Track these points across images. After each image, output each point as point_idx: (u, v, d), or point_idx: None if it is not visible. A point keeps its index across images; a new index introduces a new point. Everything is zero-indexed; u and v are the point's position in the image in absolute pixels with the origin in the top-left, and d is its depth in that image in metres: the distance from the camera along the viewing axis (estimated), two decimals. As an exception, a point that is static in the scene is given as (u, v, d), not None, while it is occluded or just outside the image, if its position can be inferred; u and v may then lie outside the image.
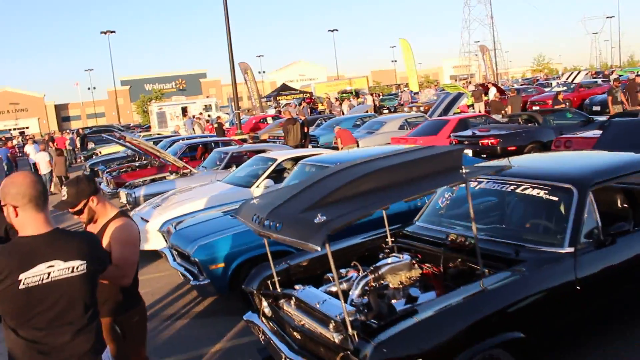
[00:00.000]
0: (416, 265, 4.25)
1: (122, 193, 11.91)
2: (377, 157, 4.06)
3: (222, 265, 5.92)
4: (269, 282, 4.38)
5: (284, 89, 48.81)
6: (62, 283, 2.55)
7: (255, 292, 4.41)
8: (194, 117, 31.63)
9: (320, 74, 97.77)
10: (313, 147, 17.52)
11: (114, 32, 64.10)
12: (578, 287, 3.76)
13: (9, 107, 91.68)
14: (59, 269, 2.54)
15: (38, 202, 2.59)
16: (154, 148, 13.26)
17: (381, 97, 48.58)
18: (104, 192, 14.49)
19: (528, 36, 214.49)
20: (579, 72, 41.47)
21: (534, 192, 4.33)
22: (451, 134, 14.65)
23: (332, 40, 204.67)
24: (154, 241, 8.44)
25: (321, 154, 9.24)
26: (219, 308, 6.49)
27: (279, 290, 4.22)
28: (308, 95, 46.49)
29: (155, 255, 8.61)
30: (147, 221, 8.67)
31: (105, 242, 3.33)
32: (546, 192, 4.26)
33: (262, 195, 4.23)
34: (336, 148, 15.72)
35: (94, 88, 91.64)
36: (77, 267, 2.59)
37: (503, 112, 23.91)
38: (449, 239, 4.37)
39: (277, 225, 3.33)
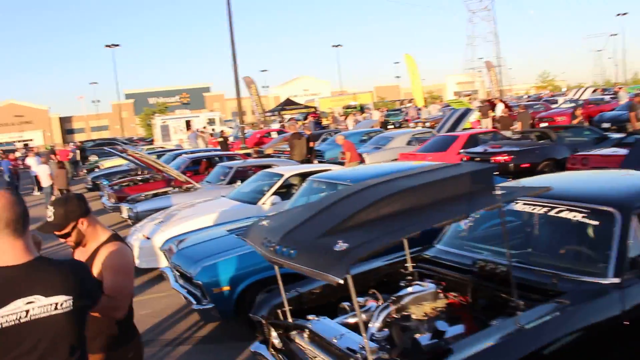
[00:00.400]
0: (442, 294, 3.85)
1: (124, 208, 11.54)
2: (399, 175, 3.69)
3: (227, 288, 5.53)
4: (278, 310, 3.99)
5: (289, 103, 48.52)
6: (43, 322, 2.17)
7: (264, 321, 4.02)
8: (197, 130, 31.35)
9: (324, 89, 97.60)
10: (319, 162, 17.18)
11: (118, 45, 64.32)
12: (626, 322, 3.37)
13: (14, 119, 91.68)
14: (40, 305, 2.16)
15: (16, 226, 2.21)
16: (157, 162, 12.92)
17: (386, 112, 48.38)
18: (104, 206, 14.14)
19: (531, 53, 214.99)
20: (586, 89, 41.20)
21: (571, 215, 3.95)
22: (461, 150, 14.28)
23: (335, 55, 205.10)
24: (155, 259, 8.08)
25: (330, 170, 8.87)
26: (223, 333, 6.09)
27: (290, 320, 3.83)
28: (313, 110, 46.24)
29: (156, 274, 8.24)
30: (149, 238, 8.30)
31: (96, 269, 2.95)
32: (584, 215, 3.87)
33: (273, 216, 3.86)
34: (342, 163, 15.37)
35: (99, 101, 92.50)
36: (62, 304, 2.20)
37: (512, 128, 23.60)
38: (478, 266, 3.98)
39: (291, 251, 2.95)
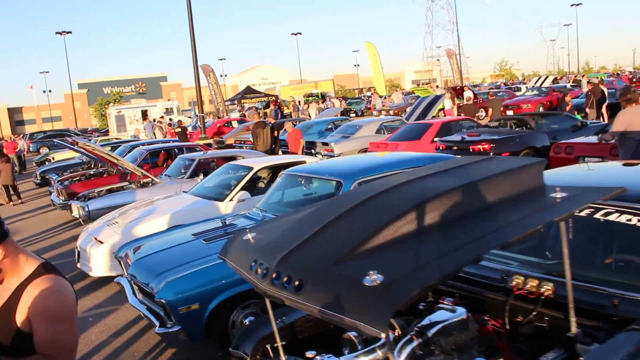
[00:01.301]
0: (472, 320, 3.06)
1: (74, 205, 10.48)
2: (421, 173, 2.88)
3: (196, 306, 4.65)
4: (267, 346, 3.17)
5: (249, 91, 47.37)
6: None
7: (248, 358, 3.19)
8: (154, 120, 30.00)
9: (283, 78, 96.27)
10: (283, 152, 16.33)
11: (70, 32, 61.64)
12: None
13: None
14: None
15: None
16: (111, 154, 11.85)
17: (348, 101, 47.82)
18: (53, 204, 12.97)
19: (486, 42, 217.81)
20: (547, 77, 41.50)
21: (622, 218, 3.23)
22: (435, 139, 13.65)
23: (294, 43, 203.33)
24: (109, 267, 7.13)
25: (305, 163, 8.04)
26: (191, 357, 5.20)
27: (283, 358, 3.00)
28: (274, 98, 45.22)
29: (111, 283, 7.28)
30: (102, 242, 7.34)
31: (20, 317, 2.05)
32: (641, 218, 3.15)
33: (259, 226, 3.01)
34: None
35: (50, 91, 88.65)
36: None
37: (477, 115, 23.25)
38: (513, 281, 3.22)
39: (297, 282, 2.12)
